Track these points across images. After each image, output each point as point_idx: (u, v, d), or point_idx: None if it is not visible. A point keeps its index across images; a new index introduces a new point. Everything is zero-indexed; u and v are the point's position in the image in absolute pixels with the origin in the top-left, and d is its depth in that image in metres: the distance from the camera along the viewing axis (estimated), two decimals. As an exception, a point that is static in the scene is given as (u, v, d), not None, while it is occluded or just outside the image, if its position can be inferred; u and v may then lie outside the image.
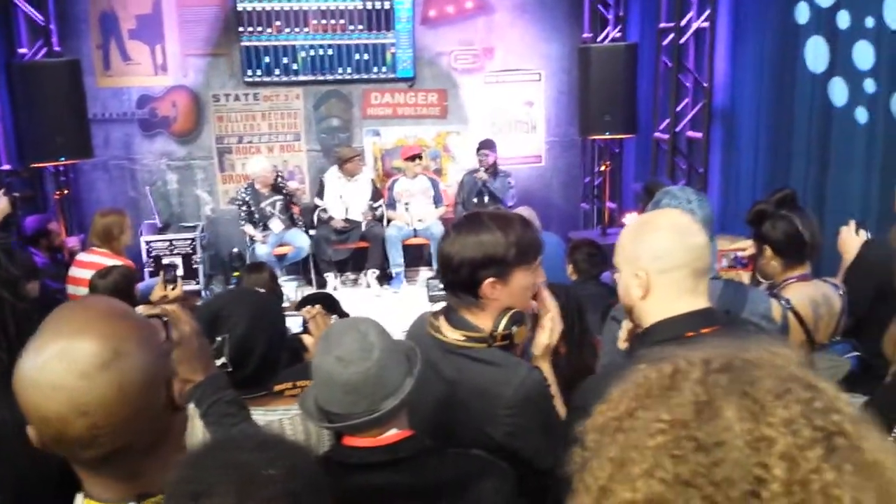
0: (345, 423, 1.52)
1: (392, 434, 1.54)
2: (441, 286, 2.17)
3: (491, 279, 1.80)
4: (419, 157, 7.52)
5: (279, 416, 1.83)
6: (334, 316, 2.56)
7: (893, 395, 1.88)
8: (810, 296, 2.77)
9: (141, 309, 1.45)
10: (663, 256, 1.64)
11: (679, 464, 0.71)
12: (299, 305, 3.08)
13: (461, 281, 1.82)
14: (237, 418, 1.52)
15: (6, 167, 5.75)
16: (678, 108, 6.42)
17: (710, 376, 0.75)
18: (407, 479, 1.51)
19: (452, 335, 1.86)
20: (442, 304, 2.03)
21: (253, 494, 0.86)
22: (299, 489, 0.90)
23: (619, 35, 7.52)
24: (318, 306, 2.20)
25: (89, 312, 1.09)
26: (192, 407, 1.50)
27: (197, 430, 1.53)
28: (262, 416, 1.85)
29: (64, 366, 1.01)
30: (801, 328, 2.73)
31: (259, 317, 1.84)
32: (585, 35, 7.81)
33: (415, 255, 7.70)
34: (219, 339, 1.76)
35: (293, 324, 2.20)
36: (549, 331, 1.95)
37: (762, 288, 2.96)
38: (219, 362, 1.76)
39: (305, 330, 2.14)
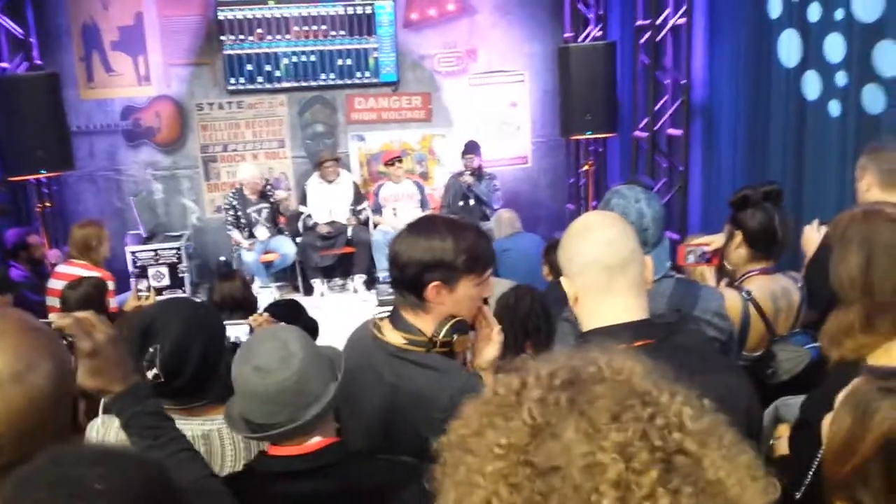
0: (267, 433, 1.52)
1: (316, 441, 1.54)
2: (391, 290, 2.17)
3: (436, 283, 1.80)
4: (399, 159, 7.51)
5: (217, 426, 1.83)
6: (282, 324, 2.55)
7: (830, 392, 1.87)
8: (770, 288, 2.77)
9: (52, 317, 1.45)
10: (573, 257, 1.65)
11: (514, 492, 0.69)
12: (267, 313, 3.09)
13: (407, 280, 1.82)
14: (160, 430, 1.51)
15: (-14, 181, 5.77)
16: (657, 107, 6.41)
17: (551, 394, 0.73)
18: (331, 485, 1.51)
19: (394, 338, 1.86)
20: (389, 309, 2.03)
21: None
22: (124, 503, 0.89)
23: (599, 34, 7.51)
24: (265, 314, 2.21)
25: (5, 323, 1.09)
26: (110, 418, 1.50)
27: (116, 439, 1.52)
28: (200, 426, 1.85)
29: None
30: (762, 320, 2.73)
31: (193, 325, 1.83)
32: (567, 35, 7.81)
33: (402, 259, 7.67)
34: (150, 349, 1.76)
35: (240, 332, 2.20)
36: (496, 343, 1.94)
37: (724, 281, 2.96)
38: (151, 373, 1.75)
39: (252, 338, 2.14)
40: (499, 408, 0.77)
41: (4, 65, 6.68)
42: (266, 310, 3.05)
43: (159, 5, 7.34)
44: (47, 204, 6.70)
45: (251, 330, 2.16)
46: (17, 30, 6.67)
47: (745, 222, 2.84)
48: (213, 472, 1.52)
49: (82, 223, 5.08)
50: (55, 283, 4.77)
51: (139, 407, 1.46)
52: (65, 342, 1.33)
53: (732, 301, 2.63)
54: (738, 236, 2.85)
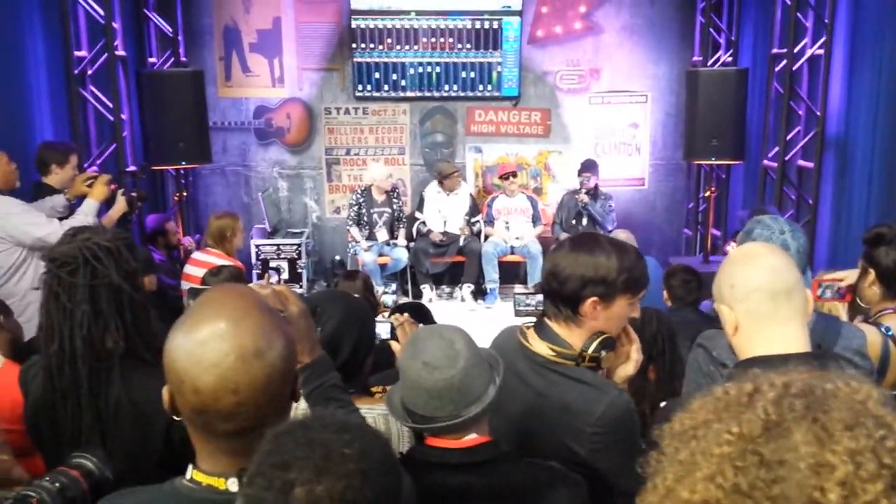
0: (428, 426, 1.60)
1: (472, 438, 1.61)
2: (529, 302, 2.23)
3: (595, 299, 1.84)
4: (514, 174, 7.59)
5: (364, 414, 1.93)
6: (421, 325, 2.64)
7: None
8: None
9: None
10: (736, 284, 1.64)
11: (740, 474, 0.75)
12: (391, 313, 3.20)
13: (565, 294, 1.86)
14: (340, 403, 1.62)
15: (132, 168, 6.15)
16: (789, 136, 6.25)
17: (785, 399, 0.79)
18: (483, 481, 1.57)
19: (541, 348, 1.91)
20: (528, 320, 2.09)
21: (329, 471, 0.96)
22: (371, 470, 0.98)
23: (729, 59, 7.39)
24: (406, 314, 2.30)
25: (248, 304, 1.20)
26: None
27: (297, 411, 1.63)
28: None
29: (226, 347, 1.13)
30: (901, 358, 2.65)
31: (349, 317, 1.94)
32: (695, 58, 7.71)
33: (510, 272, 7.75)
34: None
35: (382, 330, 2.30)
36: (634, 362, 1.98)
37: (859, 317, 2.89)
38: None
39: (394, 336, 2.24)
40: (730, 404, 0.82)
41: (153, 60, 7.13)
42: (397, 310, 3.16)
43: (297, 11, 7.67)
44: (184, 194, 7.08)
45: (392, 329, 2.25)
46: (167, 28, 7.11)
47: (878, 260, 2.77)
48: None
49: (219, 214, 5.36)
50: (191, 269, 5.05)
51: (324, 378, 1.57)
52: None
53: (873, 337, 2.57)
54: (872, 274, 2.79)
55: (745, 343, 1.66)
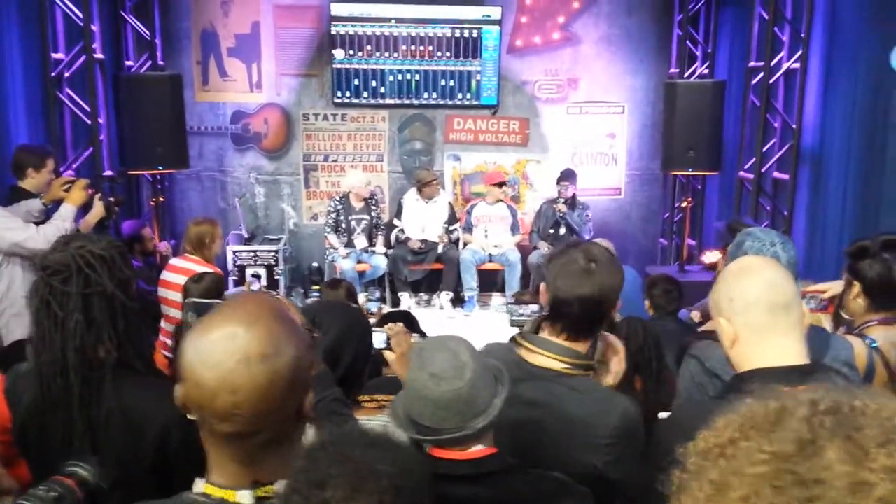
0: (434, 437, 1.59)
1: (477, 450, 1.60)
2: (524, 312, 2.23)
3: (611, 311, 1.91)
4: (504, 184, 7.62)
5: (364, 423, 1.91)
6: (415, 334, 2.63)
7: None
8: (892, 339, 2.73)
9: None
10: (735, 297, 1.65)
11: (777, 494, 0.74)
12: (380, 322, 3.18)
13: (603, 312, 1.91)
14: (343, 417, 1.60)
15: (108, 173, 6.07)
16: (765, 148, 6.34)
17: (815, 417, 0.78)
18: (490, 493, 1.57)
19: (545, 361, 1.90)
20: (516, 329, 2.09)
21: (364, 488, 0.95)
22: (405, 486, 0.97)
23: (706, 72, 7.49)
24: (400, 324, 2.28)
25: (261, 309, 1.21)
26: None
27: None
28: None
29: (232, 348, 1.14)
30: (886, 369, 2.69)
31: (350, 328, 1.92)
32: (672, 70, 7.80)
33: (488, 280, 7.76)
34: None
35: (376, 340, 2.29)
36: (613, 374, 2.00)
37: (842, 329, 2.92)
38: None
39: (388, 346, 2.22)
40: (757, 422, 0.82)
41: (130, 63, 7.05)
42: (385, 319, 3.14)
43: (276, 16, 7.63)
44: (160, 199, 7.00)
45: (388, 339, 2.24)
46: (145, 31, 7.03)
47: (863, 273, 2.81)
48: None
49: (198, 220, 5.28)
50: (169, 276, 4.97)
51: (325, 393, 1.56)
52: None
53: (859, 349, 2.60)
54: (857, 287, 2.82)
55: (743, 356, 1.66)
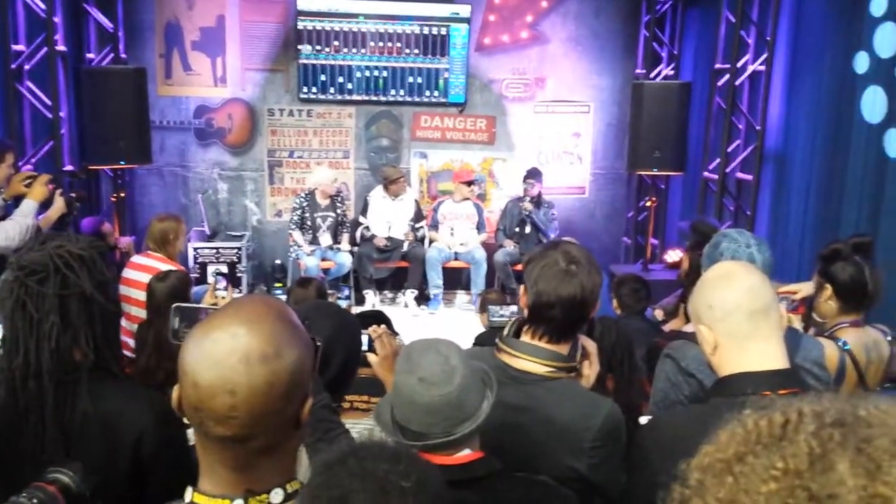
0: (422, 443, 1.56)
1: (465, 454, 1.59)
2: (504, 313, 2.22)
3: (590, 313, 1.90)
4: (473, 182, 7.62)
5: (349, 428, 1.89)
6: (399, 336, 2.61)
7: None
8: (863, 341, 2.79)
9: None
10: (714, 305, 1.65)
11: None
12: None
13: (585, 315, 1.89)
14: (331, 423, 1.57)
15: (69, 168, 5.93)
16: (729, 149, 6.43)
17: (824, 430, 0.77)
18: (478, 497, 1.55)
19: (528, 366, 1.89)
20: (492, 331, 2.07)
21: (387, 503, 0.92)
22: (425, 499, 0.95)
23: (671, 73, 7.57)
24: (383, 326, 2.26)
25: (266, 309, 1.17)
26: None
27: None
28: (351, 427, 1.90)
29: (233, 346, 1.10)
30: (856, 372, 2.74)
31: (340, 329, 1.89)
32: (638, 71, 7.87)
33: (453, 278, 7.76)
34: None
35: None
36: (585, 378, 2.00)
37: (813, 330, 2.97)
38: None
39: (371, 348, 2.19)
40: (762, 436, 0.81)
41: (91, 56, 6.89)
42: (359, 319, 3.10)
43: (242, 10, 7.52)
44: (121, 194, 6.86)
45: (370, 340, 2.21)
46: (108, 23, 6.87)
47: (835, 276, 2.86)
48: None
49: (161, 216, 5.18)
50: (132, 274, 4.87)
51: (316, 399, 1.52)
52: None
53: (830, 351, 2.64)
54: (828, 289, 2.87)
55: (725, 361, 1.67)
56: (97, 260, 1.76)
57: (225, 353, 1.09)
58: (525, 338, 1.93)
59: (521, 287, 1.97)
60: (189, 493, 1.18)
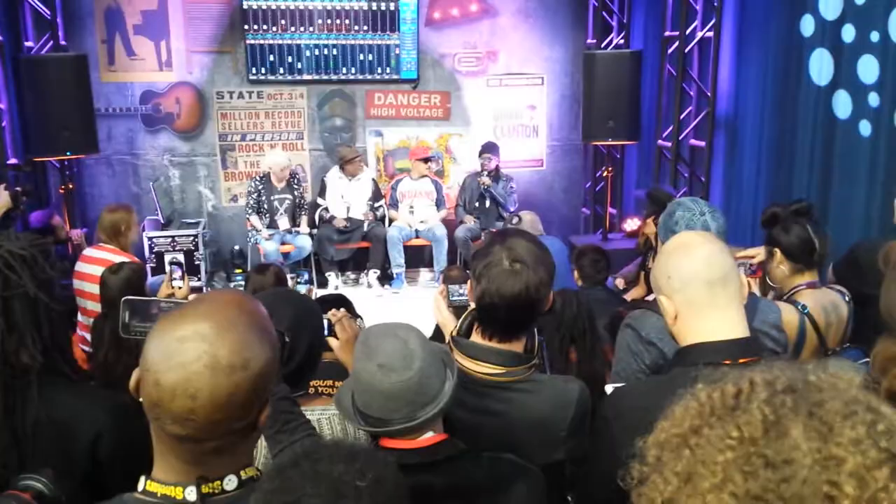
0: (384, 429, 1.55)
1: (428, 437, 1.57)
2: (462, 292, 2.18)
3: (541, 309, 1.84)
4: (430, 159, 7.57)
5: (317, 416, 1.86)
6: (359, 319, 2.58)
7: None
8: (821, 302, 2.82)
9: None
10: (672, 274, 1.66)
11: (749, 479, 0.74)
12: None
13: (540, 311, 1.83)
14: (290, 415, 1.55)
15: (13, 161, 5.75)
16: (682, 116, 6.48)
17: (776, 397, 0.78)
18: (443, 480, 1.54)
19: (483, 369, 1.83)
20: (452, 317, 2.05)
21: None
22: (381, 498, 0.94)
23: (622, 42, 7.57)
24: (342, 309, 2.22)
25: (243, 312, 1.15)
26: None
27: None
28: (309, 414, 1.87)
29: (199, 351, 1.08)
30: (816, 334, 2.78)
31: (303, 316, 1.86)
32: (589, 41, 7.86)
33: (415, 256, 7.74)
34: None
35: (318, 326, 2.22)
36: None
37: (771, 294, 3.01)
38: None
39: (331, 332, 2.16)
40: (717, 408, 0.81)
41: (30, 44, 6.67)
42: (319, 303, 3.07)
43: (184, -9, 7.34)
44: (70, 185, 6.68)
45: (329, 324, 2.17)
46: (45, 10, 6.65)
47: (779, 239, 2.90)
48: None
49: (112, 207, 5.06)
50: (84, 267, 4.75)
51: (274, 390, 1.49)
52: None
53: (789, 314, 2.67)
54: (777, 254, 2.91)
55: (685, 331, 1.68)
56: (39, 259, 1.70)
57: (191, 358, 1.07)
58: (475, 337, 1.87)
59: (469, 280, 1.88)
60: (143, 481, 1.17)
